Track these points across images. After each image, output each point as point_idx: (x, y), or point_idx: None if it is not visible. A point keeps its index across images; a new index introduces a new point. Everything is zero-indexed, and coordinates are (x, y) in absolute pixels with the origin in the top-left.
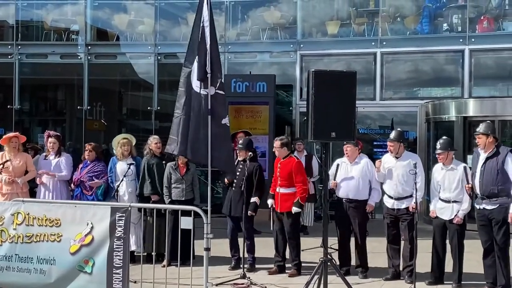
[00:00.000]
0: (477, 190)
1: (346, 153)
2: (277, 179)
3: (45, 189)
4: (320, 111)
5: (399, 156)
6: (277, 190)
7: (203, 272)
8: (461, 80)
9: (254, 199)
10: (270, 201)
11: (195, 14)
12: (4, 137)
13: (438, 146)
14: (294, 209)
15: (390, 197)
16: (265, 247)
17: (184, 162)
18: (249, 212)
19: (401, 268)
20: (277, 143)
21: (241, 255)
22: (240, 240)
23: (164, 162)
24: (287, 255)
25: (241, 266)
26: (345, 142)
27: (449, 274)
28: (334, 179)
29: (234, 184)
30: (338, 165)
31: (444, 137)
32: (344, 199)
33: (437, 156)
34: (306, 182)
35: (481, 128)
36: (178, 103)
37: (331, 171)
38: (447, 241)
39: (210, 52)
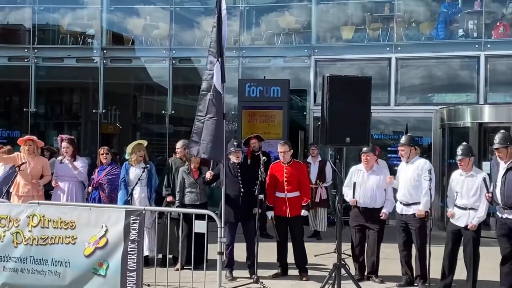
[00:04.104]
0: (499, 201)
1: (366, 162)
2: (273, 187)
3: (60, 192)
4: (335, 116)
5: (410, 160)
6: (284, 195)
7: (216, 276)
8: (476, 86)
9: (261, 196)
10: (270, 213)
11: (215, 17)
12: (21, 139)
13: (459, 152)
14: (305, 212)
15: (400, 202)
16: (273, 252)
17: (196, 166)
18: (255, 209)
19: (414, 275)
20: (285, 147)
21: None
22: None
23: None
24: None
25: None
26: (363, 151)
27: (461, 281)
28: (353, 197)
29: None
30: (355, 183)
31: (464, 143)
32: (360, 208)
33: (458, 162)
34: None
35: (498, 140)
36: (202, 106)
37: (347, 183)
38: (461, 248)
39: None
